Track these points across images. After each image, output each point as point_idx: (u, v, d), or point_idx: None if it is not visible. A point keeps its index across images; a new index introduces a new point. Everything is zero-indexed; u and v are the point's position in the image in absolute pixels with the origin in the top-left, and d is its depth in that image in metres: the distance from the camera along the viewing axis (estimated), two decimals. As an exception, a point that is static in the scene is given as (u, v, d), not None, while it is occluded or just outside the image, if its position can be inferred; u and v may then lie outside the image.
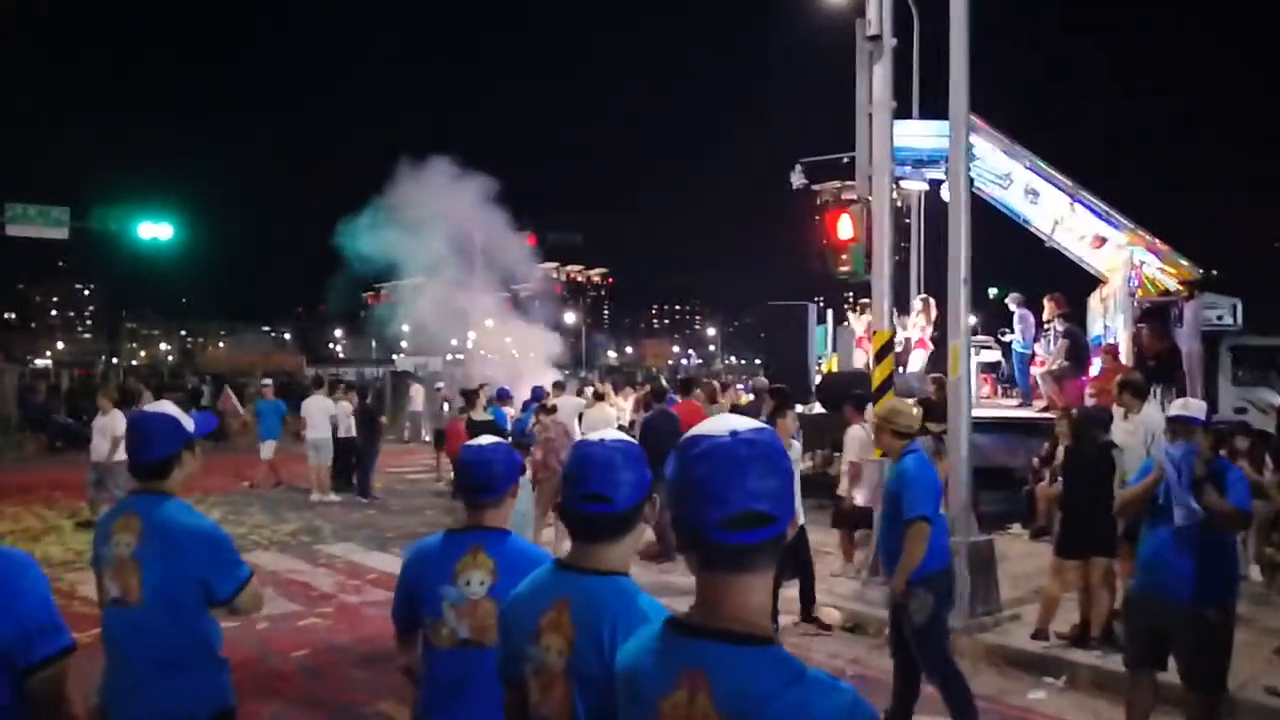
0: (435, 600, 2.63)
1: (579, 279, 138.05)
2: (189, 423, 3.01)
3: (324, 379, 17.51)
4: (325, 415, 14.58)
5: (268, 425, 15.26)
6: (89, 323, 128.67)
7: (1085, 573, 6.49)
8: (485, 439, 2.86)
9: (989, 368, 16.11)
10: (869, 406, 8.28)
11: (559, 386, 15.49)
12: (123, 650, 2.81)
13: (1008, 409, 13.26)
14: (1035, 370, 13.12)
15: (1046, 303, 12.97)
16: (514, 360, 24.35)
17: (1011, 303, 13.75)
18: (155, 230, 24.97)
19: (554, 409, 10.91)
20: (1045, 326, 13.17)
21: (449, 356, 31.78)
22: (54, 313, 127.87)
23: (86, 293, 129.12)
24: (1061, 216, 13.38)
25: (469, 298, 23.86)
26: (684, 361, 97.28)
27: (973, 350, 10.69)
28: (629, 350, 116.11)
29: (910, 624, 4.94)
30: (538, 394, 13.00)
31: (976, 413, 8.33)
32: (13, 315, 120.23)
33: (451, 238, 22.42)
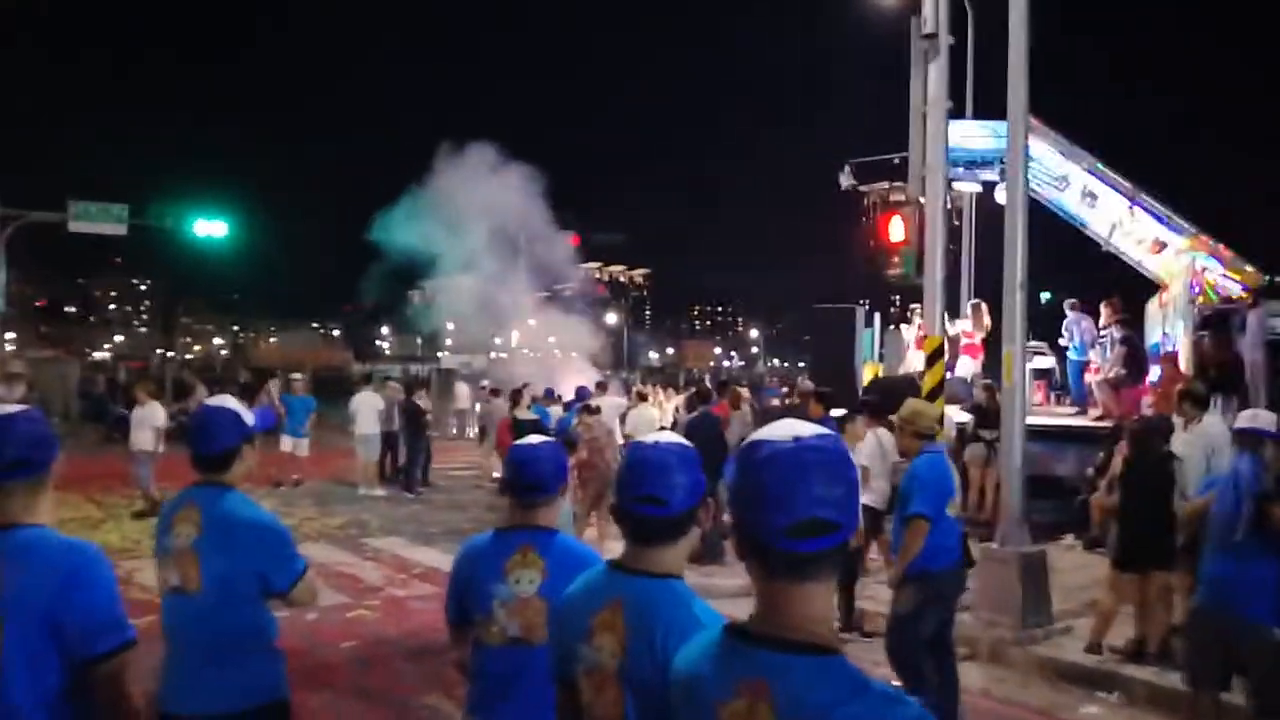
0: (486, 598, 2.64)
1: (621, 279, 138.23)
2: (249, 417, 3.05)
3: (372, 375, 17.69)
4: (374, 411, 14.77)
5: (294, 421, 15.18)
6: (145, 317, 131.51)
7: (1142, 586, 6.34)
8: (535, 438, 2.86)
9: (1042, 374, 15.81)
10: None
11: (601, 386, 15.53)
12: (181, 638, 2.85)
13: (1062, 417, 13.00)
14: (1090, 378, 12.84)
15: (1103, 308, 12.68)
16: (556, 359, 24.49)
17: (1067, 307, 13.48)
18: (210, 228, 25.52)
19: (598, 409, 10.92)
20: (1101, 333, 12.89)
21: (493, 354, 32.03)
22: (112, 307, 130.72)
23: (143, 288, 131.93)
24: (1120, 220, 13.08)
25: (512, 296, 24.03)
26: (726, 363, 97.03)
27: (1026, 356, 10.51)
28: (670, 351, 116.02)
29: (893, 610, 5.08)
30: (582, 394, 13.03)
31: (1030, 420, 8.17)
32: (74, 309, 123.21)
33: (495, 234, 22.61)
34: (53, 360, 42.04)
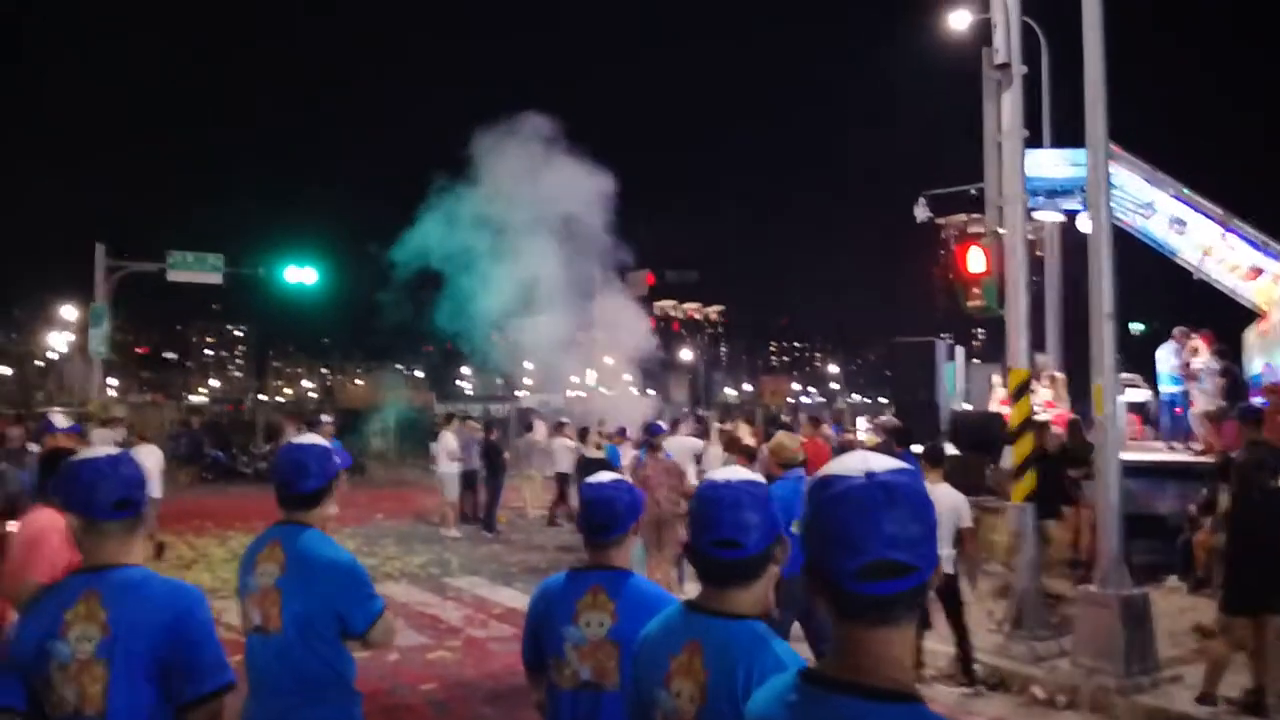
0: (558, 640, 2.62)
1: (696, 316, 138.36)
2: (338, 456, 3.10)
3: (454, 415, 17.85)
4: (453, 450, 14.91)
5: None
6: (239, 362, 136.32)
7: (1257, 631, 5.97)
8: (607, 476, 2.83)
9: (1136, 408, 15.24)
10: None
11: (673, 425, 15.47)
12: (262, 677, 2.88)
13: (1159, 452, 12.50)
14: (1190, 411, 12.33)
15: (1199, 340, 12.21)
16: (633, 397, 24.52)
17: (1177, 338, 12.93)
18: (300, 274, 26.32)
19: (658, 446, 10.79)
20: (1195, 364, 12.39)
21: (570, 393, 32.27)
22: (208, 352, 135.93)
23: (238, 334, 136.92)
24: (1212, 246, 12.64)
25: (588, 336, 24.19)
26: (804, 399, 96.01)
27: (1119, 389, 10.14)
28: (747, 388, 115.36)
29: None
30: (653, 430, 13.00)
31: (1125, 456, 7.85)
32: (172, 355, 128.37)
33: (572, 272, 22.85)
34: (151, 404, 43.87)
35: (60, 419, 6.85)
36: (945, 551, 6.92)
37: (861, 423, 23.01)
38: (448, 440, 15.15)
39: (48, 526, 4.16)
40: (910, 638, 1.39)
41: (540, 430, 21.54)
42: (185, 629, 2.25)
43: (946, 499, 6.68)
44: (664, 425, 13.43)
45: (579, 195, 21.80)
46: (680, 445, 11.95)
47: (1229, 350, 12.24)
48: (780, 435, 6.98)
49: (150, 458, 11.36)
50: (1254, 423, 6.32)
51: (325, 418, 15.19)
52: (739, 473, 2.06)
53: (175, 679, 2.22)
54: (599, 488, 2.73)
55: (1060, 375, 13.22)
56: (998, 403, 12.65)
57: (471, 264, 21.67)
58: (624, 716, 2.26)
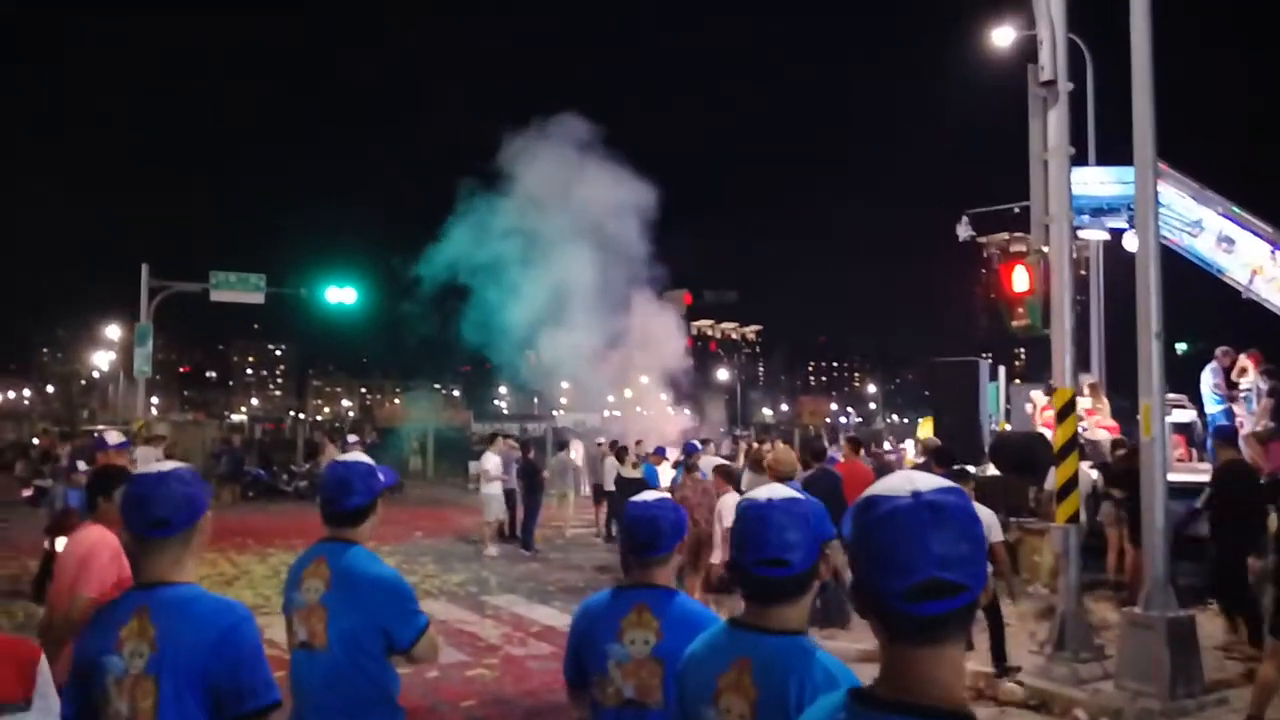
0: (601, 657, 2.62)
1: (734, 336, 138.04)
2: (381, 474, 3.10)
3: (497, 434, 17.74)
4: (498, 470, 14.82)
5: None
6: (279, 380, 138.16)
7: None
8: (651, 495, 2.83)
9: (1181, 429, 14.96)
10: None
11: (705, 444, 15.44)
12: (307, 694, 2.90)
13: (1204, 473, 12.24)
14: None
15: (1245, 360, 12.00)
16: (670, 417, 24.53)
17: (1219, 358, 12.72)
18: (340, 294, 26.56)
19: (695, 466, 10.78)
20: (1245, 385, 12.16)
21: (606, 413, 32.31)
22: (249, 371, 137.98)
23: (278, 353, 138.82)
24: (1261, 265, 12.43)
25: (625, 354, 24.22)
26: (843, 419, 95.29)
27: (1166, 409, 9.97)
28: (785, 408, 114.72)
29: None
30: (690, 449, 12.99)
31: (1171, 477, 7.72)
32: (214, 374, 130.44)
33: (609, 292, 22.92)
34: (193, 423, 44.51)
35: (113, 436, 6.97)
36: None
37: (910, 445, 22.81)
38: (491, 461, 15.13)
39: (98, 543, 4.23)
40: (961, 657, 1.37)
41: (577, 450, 21.56)
42: (232, 647, 2.25)
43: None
44: (699, 444, 13.42)
45: (619, 214, 21.94)
46: (706, 465, 11.82)
47: (1277, 370, 11.99)
48: (779, 448, 7.22)
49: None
50: None
51: (352, 437, 14.55)
52: (781, 491, 2.06)
53: (222, 696, 2.23)
54: (644, 506, 2.73)
55: (1096, 381, 13.03)
56: (1040, 422, 12.49)
57: (507, 280, 21.85)
58: None
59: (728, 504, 7.97)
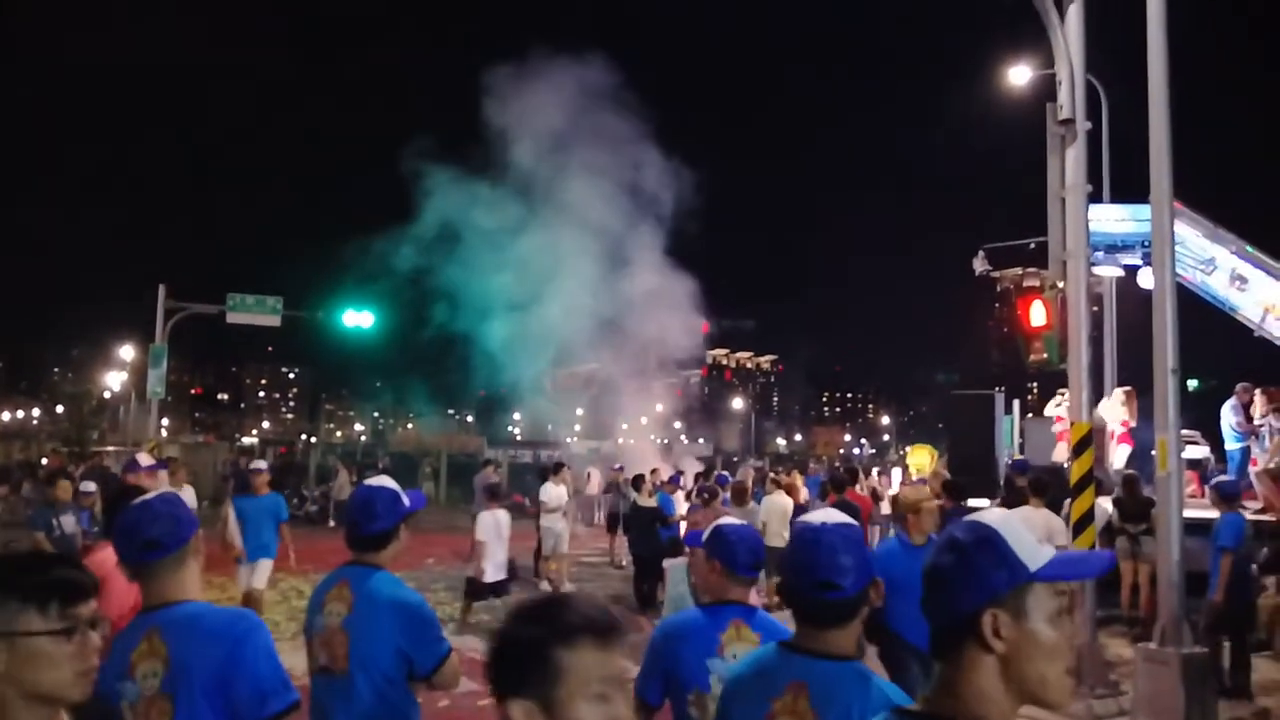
0: (703, 673, 2.61)
1: (749, 365, 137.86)
2: (405, 499, 3.14)
3: (561, 464, 15.80)
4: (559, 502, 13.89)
5: (251, 533, 9.97)
6: (292, 404, 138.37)
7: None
8: (735, 521, 2.94)
9: (1195, 464, 14.91)
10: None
11: (706, 475, 15.48)
12: (326, 718, 2.91)
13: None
14: (1250, 469, 12.06)
15: (1258, 397, 11.99)
16: (682, 445, 24.53)
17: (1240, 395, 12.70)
18: (358, 319, 26.38)
19: (716, 494, 10.79)
20: (1259, 422, 12.14)
21: (620, 440, 32.30)
22: (261, 394, 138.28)
23: (292, 376, 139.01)
24: (1274, 303, 12.46)
25: (640, 382, 24.26)
26: (856, 450, 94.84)
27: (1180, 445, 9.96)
28: (799, 438, 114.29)
29: None
30: (721, 481, 13.03)
31: (1185, 513, 7.71)
32: (226, 396, 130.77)
33: (625, 322, 22.98)
34: (203, 445, 44.58)
35: (145, 458, 7.00)
36: None
37: (896, 473, 22.74)
38: (552, 492, 13.72)
39: (116, 566, 4.29)
40: (993, 675, 1.36)
41: (594, 477, 21.46)
42: (243, 655, 2.26)
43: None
44: (728, 475, 13.41)
45: (637, 241, 22.08)
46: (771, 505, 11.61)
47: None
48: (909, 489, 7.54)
49: (184, 497, 10.99)
50: None
51: (258, 464, 12.04)
52: (834, 515, 2.12)
53: (241, 703, 2.24)
54: (749, 528, 2.88)
55: (1131, 389, 12.97)
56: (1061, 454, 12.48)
57: (521, 303, 21.93)
58: None
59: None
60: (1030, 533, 1.39)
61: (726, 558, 2.77)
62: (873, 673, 1.98)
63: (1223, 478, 9.60)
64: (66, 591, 1.78)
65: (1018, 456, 14.02)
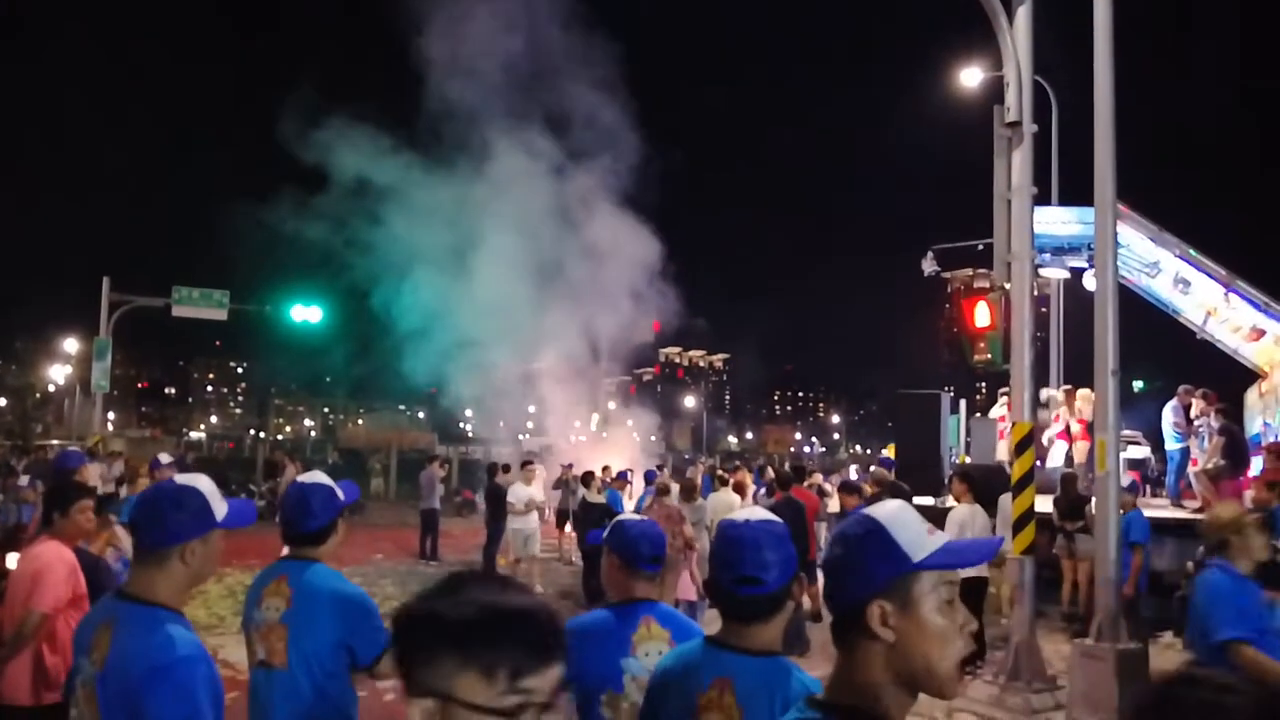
0: (617, 674, 2.55)
1: (701, 364, 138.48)
2: (340, 493, 3.11)
3: (529, 461, 15.64)
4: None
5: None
6: (240, 399, 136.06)
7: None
8: (638, 517, 2.91)
9: (1135, 464, 15.26)
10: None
11: (660, 469, 15.58)
12: (266, 713, 2.87)
13: (1158, 509, 12.48)
14: (1190, 469, 12.34)
15: (1195, 399, 12.26)
16: (635, 443, 24.55)
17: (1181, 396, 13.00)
18: (306, 313, 26.08)
19: (666, 490, 10.76)
20: (1196, 423, 12.42)
21: (572, 438, 32.19)
22: (209, 389, 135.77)
23: (240, 370, 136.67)
24: (1215, 307, 12.75)
25: (592, 381, 24.24)
26: (806, 449, 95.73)
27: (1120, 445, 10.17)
28: (750, 436, 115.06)
29: None
30: (650, 476, 13.09)
31: (1153, 514, 7.87)
32: (173, 390, 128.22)
33: (576, 319, 22.95)
34: (149, 439, 43.74)
35: (164, 456, 6.82)
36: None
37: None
38: (520, 493, 13.62)
39: (54, 560, 4.16)
40: (882, 664, 1.35)
41: (539, 476, 21.28)
42: (160, 686, 2.12)
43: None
44: (656, 471, 13.53)
45: (591, 244, 22.05)
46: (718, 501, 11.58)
47: (1230, 409, 12.27)
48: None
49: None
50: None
51: (165, 457, 10.52)
52: (757, 513, 2.13)
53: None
54: (651, 522, 2.80)
55: (1070, 388, 13.22)
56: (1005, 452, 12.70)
57: (471, 299, 21.79)
58: None
59: None
60: (920, 524, 1.39)
61: (627, 552, 2.70)
62: (796, 666, 1.99)
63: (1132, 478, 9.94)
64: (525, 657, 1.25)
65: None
